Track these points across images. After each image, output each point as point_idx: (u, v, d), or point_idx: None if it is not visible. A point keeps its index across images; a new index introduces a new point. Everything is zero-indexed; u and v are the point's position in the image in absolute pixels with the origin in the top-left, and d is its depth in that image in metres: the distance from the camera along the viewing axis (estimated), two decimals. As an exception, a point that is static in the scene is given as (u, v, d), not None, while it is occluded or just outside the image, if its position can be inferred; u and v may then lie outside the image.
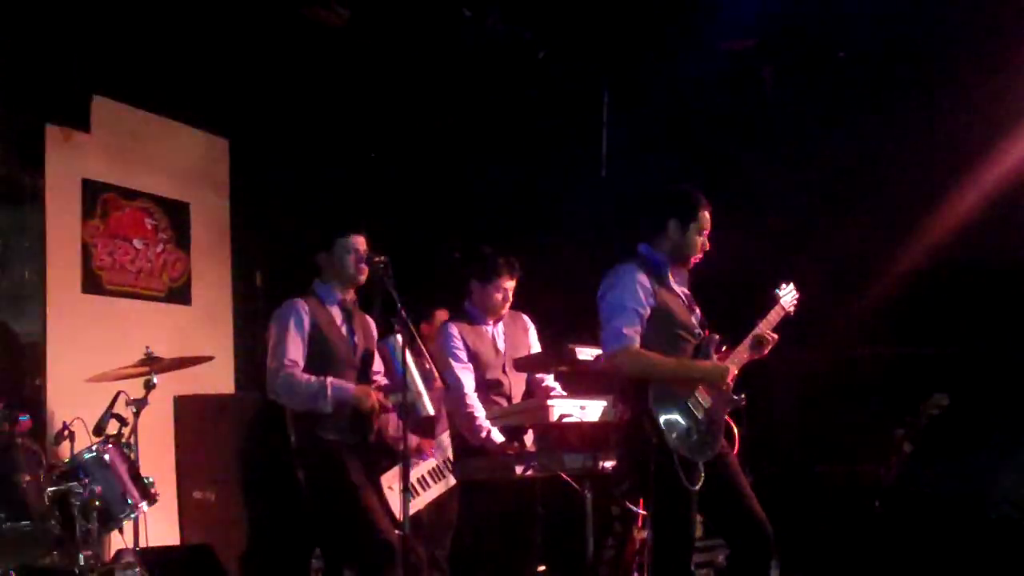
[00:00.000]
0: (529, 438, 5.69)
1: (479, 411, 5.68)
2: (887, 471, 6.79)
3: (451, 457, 6.44)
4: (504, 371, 5.89)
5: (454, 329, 5.87)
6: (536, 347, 6.08)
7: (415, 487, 6.74)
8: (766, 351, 5.05)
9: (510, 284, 5.91)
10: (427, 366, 5.47)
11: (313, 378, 5.32)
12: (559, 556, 6.06)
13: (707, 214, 4.93)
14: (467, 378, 5.77)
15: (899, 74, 7.67)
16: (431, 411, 5.42)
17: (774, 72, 8.06)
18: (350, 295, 5.62)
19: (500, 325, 5.99)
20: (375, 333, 5.73)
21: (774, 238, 7.97)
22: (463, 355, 5.81)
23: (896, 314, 7.62)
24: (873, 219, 7.83)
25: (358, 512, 5.27)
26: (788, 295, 5.19)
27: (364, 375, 5.58)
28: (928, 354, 7.32)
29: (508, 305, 5.96)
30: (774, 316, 5.10)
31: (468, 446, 5.77)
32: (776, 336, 5.06)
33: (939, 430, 6.78)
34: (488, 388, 5.84)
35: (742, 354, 4.92)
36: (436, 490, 6.75)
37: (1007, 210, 7.25)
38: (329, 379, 5.31)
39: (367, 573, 5.36)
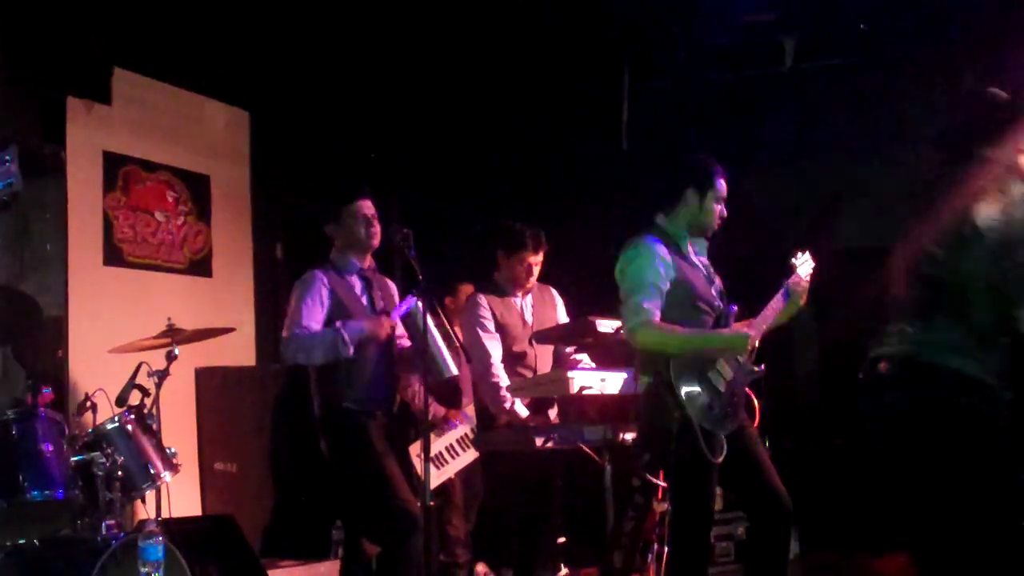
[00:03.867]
0: (554, 412, 5.70)
1: (504, 382, 5.67)
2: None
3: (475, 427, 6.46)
4: (530, 343, 5.89)
5: (483, 300, 5.87)
6: (563, 321, 6.07)
7: (444, 455, 6.76)
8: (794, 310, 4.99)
9: (536, 258, 5.90)
10: (449, 332, 5.45)
11: (324, 328, 5.32)
12: (579, 528, 6.07)
13: (723, 182, 4.86)
14: (494, 348, 5.77)
15: (921, 46, 7.62)
16: (454, 371, 5.39)
17: (795, 44, 8.02)
18: (368, 262, 5.61)
19: (528, 298, 5.99)
20: (397, 298, 5.73)
21: (794, 208, 7.95)
22: (491, 325, 5.80)
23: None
24: (895, 190, 7.79)
25: (378, 480, 5.27)
26: (804, 264, 5.10)
27: (387, 341, 5.56)
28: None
29: (534, 278, 5.96)
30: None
31: (491, 418, 5.78)
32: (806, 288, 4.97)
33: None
34: (514, 360, 5.84)
35: (761, 324, 4.85)
36: (465, 458, 6.77)
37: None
38: (338, 323, 5.30)
39: (387, 542, 5.32)
